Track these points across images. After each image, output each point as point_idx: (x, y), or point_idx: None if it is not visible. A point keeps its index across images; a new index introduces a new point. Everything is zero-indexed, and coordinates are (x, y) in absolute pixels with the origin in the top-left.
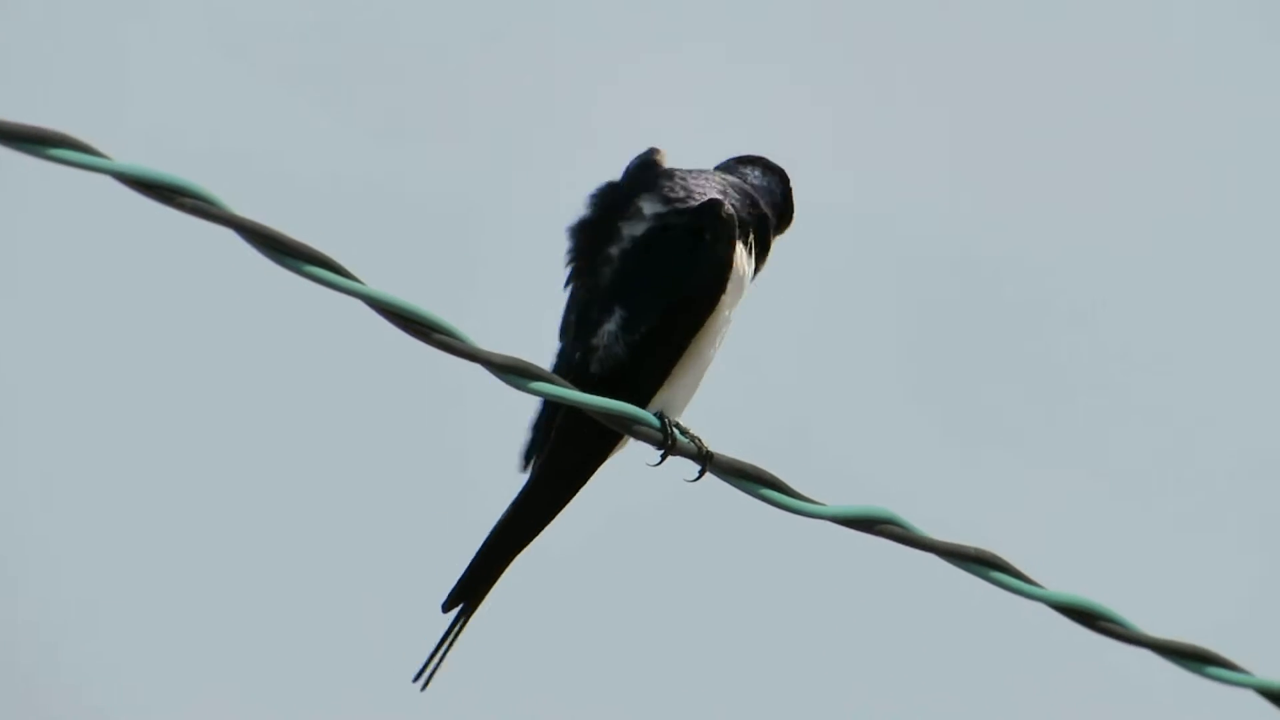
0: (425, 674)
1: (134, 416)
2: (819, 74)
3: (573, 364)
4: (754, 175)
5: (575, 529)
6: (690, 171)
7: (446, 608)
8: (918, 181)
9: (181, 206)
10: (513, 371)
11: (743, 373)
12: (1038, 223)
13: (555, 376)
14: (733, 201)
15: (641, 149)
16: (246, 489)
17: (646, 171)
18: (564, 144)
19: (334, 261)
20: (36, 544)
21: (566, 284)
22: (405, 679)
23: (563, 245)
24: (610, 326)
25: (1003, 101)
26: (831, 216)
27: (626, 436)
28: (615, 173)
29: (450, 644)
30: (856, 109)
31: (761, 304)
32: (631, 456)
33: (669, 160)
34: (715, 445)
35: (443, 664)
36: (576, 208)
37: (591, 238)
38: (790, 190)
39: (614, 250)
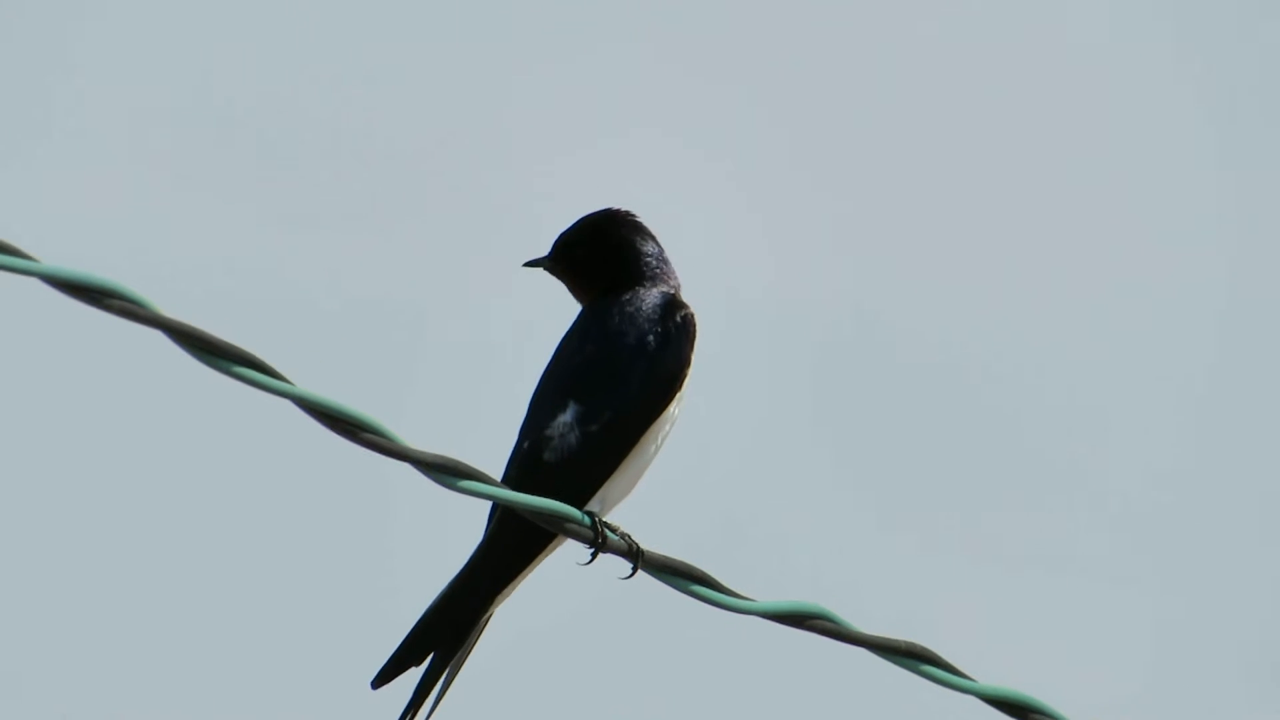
0: None
1: (62, 521)
2: (727, 160)
3: (522, 452)
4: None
5: (509, 629)
6: (659, 255)
7: (376, 684)
8: (834, 269)
9: (110, 308)
10: (442, 470)
11: (672, 468)
12: (958, 309)
13: (486, 474)
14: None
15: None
16: (175, 591)
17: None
18: (484, 233)
19: (262, 362)
20: None
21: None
22: None
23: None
24: (567, 416)
25: (911, 184)
26: (752, 306)
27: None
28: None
29: None
30: (766, 195)
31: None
32: (567, 555)
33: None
34: (647, 542)
35: None
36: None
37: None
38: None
39: (581, 339)
